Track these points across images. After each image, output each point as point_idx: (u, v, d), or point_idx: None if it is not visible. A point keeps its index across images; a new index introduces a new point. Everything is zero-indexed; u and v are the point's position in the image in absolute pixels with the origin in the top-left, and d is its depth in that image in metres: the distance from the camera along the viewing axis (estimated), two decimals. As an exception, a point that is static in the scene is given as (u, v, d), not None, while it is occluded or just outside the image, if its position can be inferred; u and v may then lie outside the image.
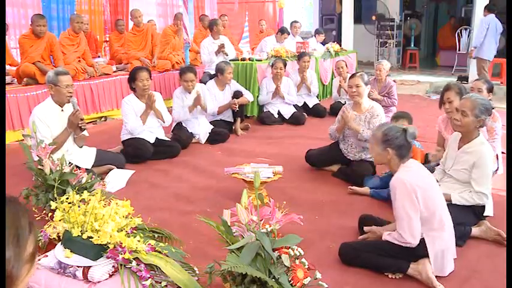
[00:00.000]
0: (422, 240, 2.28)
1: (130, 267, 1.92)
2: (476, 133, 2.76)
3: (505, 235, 2.64)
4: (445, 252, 2.30)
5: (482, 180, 2.69)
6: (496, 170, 3.57)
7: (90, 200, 2.12)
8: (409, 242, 2.25)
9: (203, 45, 6.65)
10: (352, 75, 3.84)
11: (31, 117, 3.52)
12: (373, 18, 11.43)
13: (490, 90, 3.63)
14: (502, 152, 4.05)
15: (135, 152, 4.26)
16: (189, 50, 7.00)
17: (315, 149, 4.11)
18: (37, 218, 2.51)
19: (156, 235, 2.36)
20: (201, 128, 5.00)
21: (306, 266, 1.94)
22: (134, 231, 2.12)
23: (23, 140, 3.81)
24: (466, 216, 2.69)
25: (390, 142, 2.33)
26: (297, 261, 1.92)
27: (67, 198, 2.16)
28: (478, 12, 8.52)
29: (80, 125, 3.60)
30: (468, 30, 9.77)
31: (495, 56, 7.94)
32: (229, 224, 2.02)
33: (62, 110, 3.64)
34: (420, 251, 2.29)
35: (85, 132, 3.74)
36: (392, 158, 2.35)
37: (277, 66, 5.83)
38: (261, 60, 6.37)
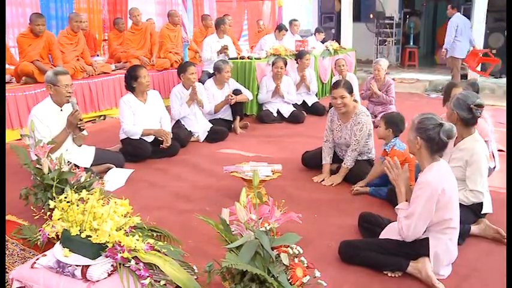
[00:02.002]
0: (425, 240, 2.28)
1: (129, 266, 1.92)
2: (471, 130, 2.78)
3: (504, 233, 2.64)
4: (446, 256, 2.29)
5: (476, 178, 2.70)
6: (494, 168, 3.57)
7: (88, 198, 2.11)
8: (404, 236, 2.27)
9: (206, 42, 6.61)
10: (335, 85, 3.61)
11: (29, 117, 3.51)
12: (371, 16, 11.42)
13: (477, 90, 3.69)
14: (500, 150, 4.05)
15: (134, 151, 4.26)
16: (188, 49, 6.99)
17: (310, 151, 4.10)
18: (36, 217, 2.52)
19: (155, 234, 2.35)
20: (199, 126, 5.00)
21: (305, 265, 1.93)
22: (133, 230, 2.12)
23: (21, 139, 3.80)
24: (465, 215, 2.68)
25: (421, 131, 2.26)
26: (296, 260, 1.92)
27: (66, 197, 2.15)
28: (477, 11, 8.51)
29: (79, 125, 3.59)
30: (467, 28, 9.74)
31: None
32: (228, 222, 2.01)
33: (61, 110, 3.63)
34: (421, 250, 2.29)
35: (84, 132, 3.73)
36: (422, 149, 2.28)
37: (278, 65, 5.81)
38: (260, 59, 6.36)
